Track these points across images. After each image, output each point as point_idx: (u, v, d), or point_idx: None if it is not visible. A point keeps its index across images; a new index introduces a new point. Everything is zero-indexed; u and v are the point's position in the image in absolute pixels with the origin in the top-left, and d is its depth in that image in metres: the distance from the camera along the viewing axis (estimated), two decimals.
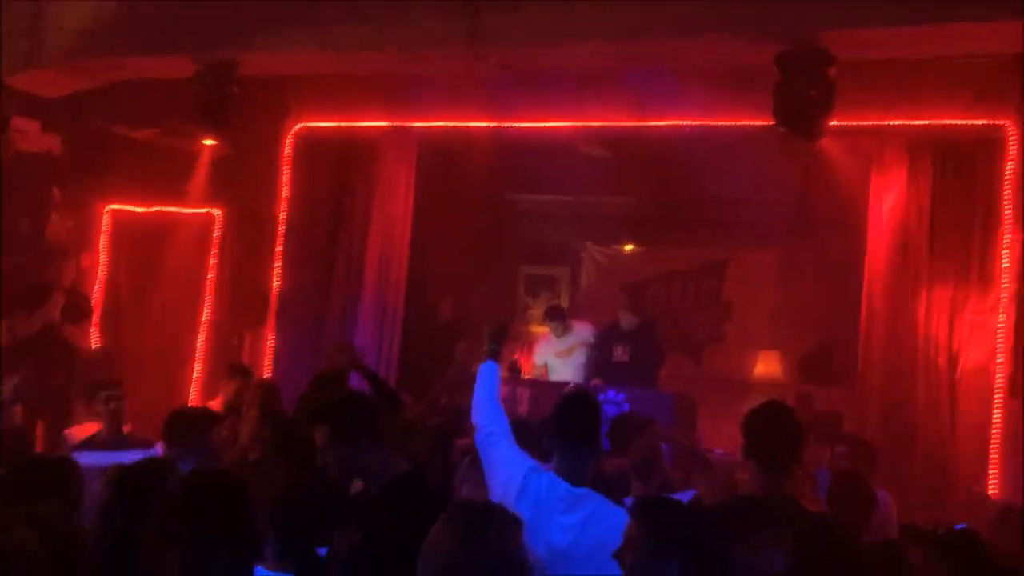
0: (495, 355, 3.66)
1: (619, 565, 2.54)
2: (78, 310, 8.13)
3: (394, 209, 7.99)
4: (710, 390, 7.98)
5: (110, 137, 8.26)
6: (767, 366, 9.01)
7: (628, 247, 10.06)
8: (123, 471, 3.34)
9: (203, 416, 4.30)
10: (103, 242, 8.79)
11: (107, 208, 8.80)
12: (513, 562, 2.05)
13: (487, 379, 3.57)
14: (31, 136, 8.02)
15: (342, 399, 3.52)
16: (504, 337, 3.82)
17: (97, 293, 8.67)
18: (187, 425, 4.09)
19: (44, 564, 1.87)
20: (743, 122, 6.55)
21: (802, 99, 5.34)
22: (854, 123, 6.26)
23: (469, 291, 9.25)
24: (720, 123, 6.71)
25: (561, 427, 3.24)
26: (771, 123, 5.50)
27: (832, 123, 5.57)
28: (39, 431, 6.85)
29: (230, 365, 6.66)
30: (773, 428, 3.19)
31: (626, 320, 7.98)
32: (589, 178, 8.72)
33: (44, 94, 7.67)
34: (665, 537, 2.47)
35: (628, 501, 3.42)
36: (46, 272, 8.17)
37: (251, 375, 6.49)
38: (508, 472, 3.24)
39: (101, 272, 8.77)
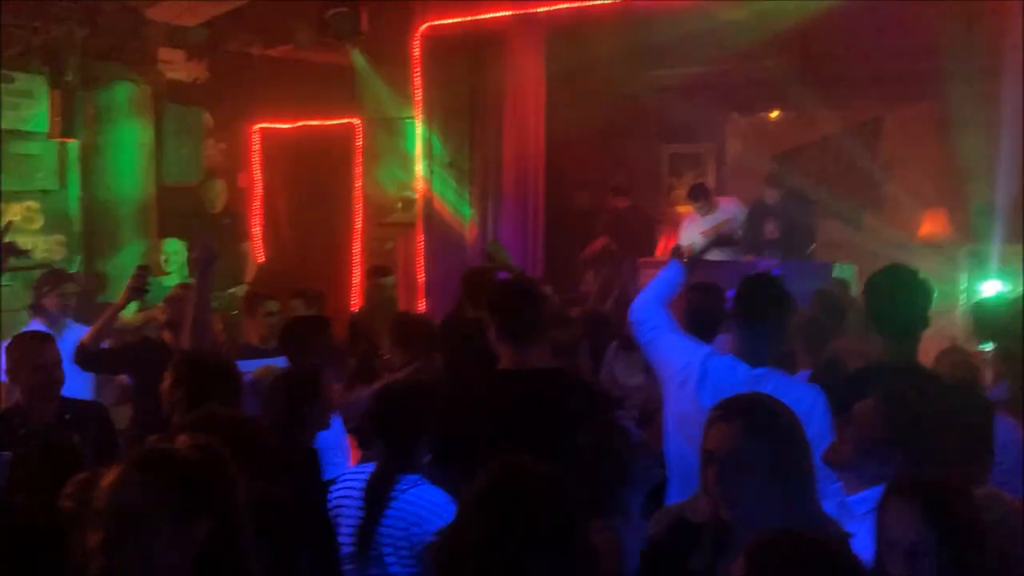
0: (678, 256, 3.59)
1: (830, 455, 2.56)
2: (239, 230, 8.58)
3: (526, 100, 7.90)
4: (872, 255, 7.62)
5: (249, 58, 8.52)
6: (934, 225, 8.48)
7: (775, 114, 9.58)
8: (280, 380, 3.57)
9: (316, 323, 4.53)
10: (256, 161, 9.19)
11: (256, 127, 9.16)
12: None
13: (666, 281, 3.50)
14: (178, 65, 8.36)
15: None
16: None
17: (257, 210, 9.12)
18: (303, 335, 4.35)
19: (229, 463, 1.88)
20: None
21: None
22: None
23: (609, 176, 9.10)
24: None
25: (739, 308, 3.20)
26: None
27: None
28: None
29: (371, 267, 6.88)
30: (896, 294, 3.04)
31: (770, 195, 7.72)
32: (727, 45, 8.29)
33: (184, 23, 7.94)
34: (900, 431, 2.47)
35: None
36: (207, 195, 8.62)
37: (388, 273, 6.67)
38: (684, 359, 3.22)
39: (258, 190, 9.20)
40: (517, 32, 7.81)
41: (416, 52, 7.99)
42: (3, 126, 6.60)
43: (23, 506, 2.54)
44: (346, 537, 2.91)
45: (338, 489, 3.03)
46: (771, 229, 7.59)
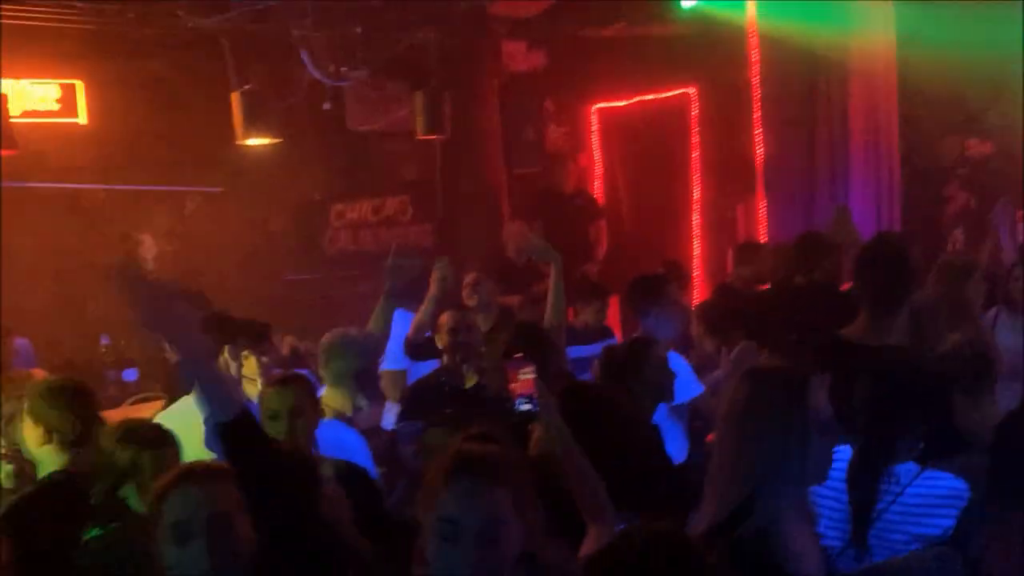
0: None
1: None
2: (590, 210, 8.82)
3: (875, 46, 7.34)
4: None
5: (584, 41, 8.75)
6: None
7: None
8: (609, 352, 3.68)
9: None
10: (595, 141, 9.46)
11: (594, 108, 9.41)
12: None
13: None
14: (519, 56, 8.82)
15: None
16: None
17: (598, 190, 9.38)
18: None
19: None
20: None
21: None
22: None
23: (973, 121, 8.16)
24: None
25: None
26: None
27: None
28: None
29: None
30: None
31: None
32: None
33: (522, 14, 8.34)
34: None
35: None
36: (552, 178, 9.02)
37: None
38: None
39: (598, 170, 9.47)
40: None
41: (751, 13, 7.75)
42: (376, 129, 7.39)
43: None
44: (830, 531, 2.68)
45: None
46: None
